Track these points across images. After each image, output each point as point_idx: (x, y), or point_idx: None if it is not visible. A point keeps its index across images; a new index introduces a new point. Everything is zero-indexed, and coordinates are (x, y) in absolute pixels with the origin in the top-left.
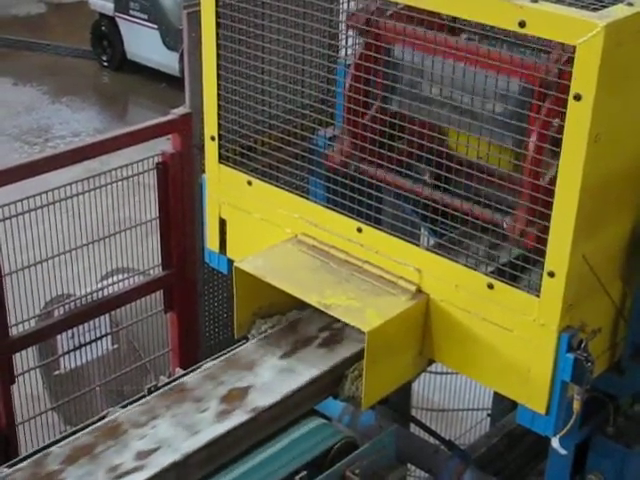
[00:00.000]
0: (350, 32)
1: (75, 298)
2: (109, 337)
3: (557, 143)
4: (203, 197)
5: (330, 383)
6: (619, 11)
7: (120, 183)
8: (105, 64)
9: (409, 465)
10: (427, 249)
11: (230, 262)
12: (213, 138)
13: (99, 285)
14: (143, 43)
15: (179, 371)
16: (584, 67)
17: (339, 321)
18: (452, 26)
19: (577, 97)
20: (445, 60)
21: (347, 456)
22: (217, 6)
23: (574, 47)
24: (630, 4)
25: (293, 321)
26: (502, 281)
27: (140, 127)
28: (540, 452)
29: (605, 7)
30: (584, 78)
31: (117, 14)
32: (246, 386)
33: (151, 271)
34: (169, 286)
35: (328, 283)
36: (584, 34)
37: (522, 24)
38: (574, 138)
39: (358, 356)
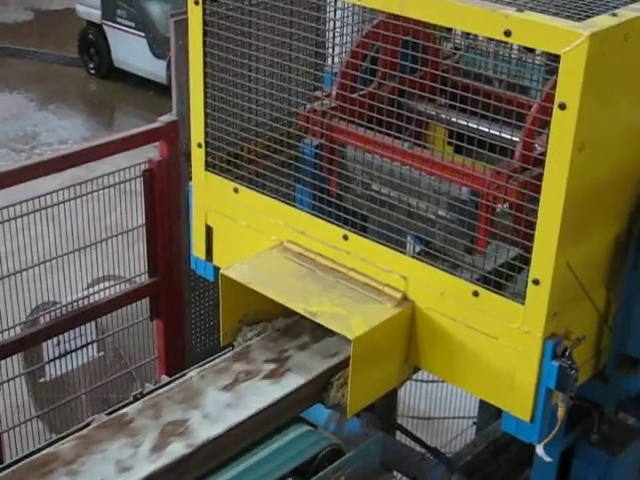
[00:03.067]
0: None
1: (61, 305)
2: (95, 345)
3: None
4: (189, 204)
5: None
6: (603, 21)
7: (107, 190)
8: (92, 72)
9: (395, 472)
10: (413, 256)
11: (216, 269)
12: (200, 145)
13: (85, 292)
14: (130, 51)
15: (165, 378)
16: (569, 76)
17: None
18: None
19: (562, 106)
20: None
21: (332, 463)
22: (204, 14)
23: (559, 56)
24: (614, 14)
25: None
26: (487, 289)
27: (127, 134)
28: (525, 459)
29: (590, 17)
30: (569, 87)
31: (104, 22)
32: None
33: (137, 278)
34: (155, 293)
35: (314, 290)
36: (569, 43)
37: (508, 33)
38: (559, 147)
39: (344, 363)
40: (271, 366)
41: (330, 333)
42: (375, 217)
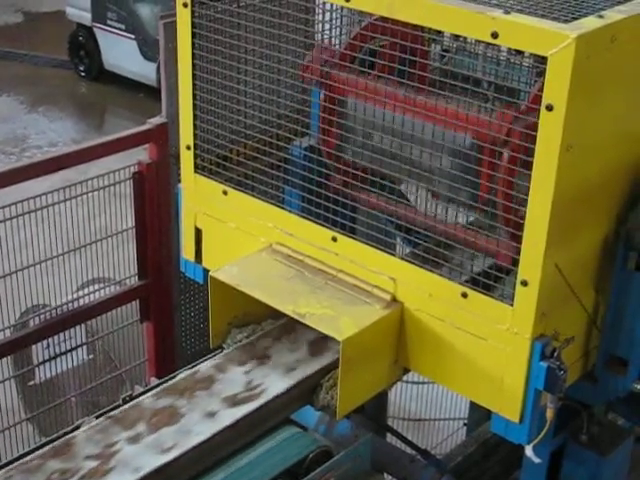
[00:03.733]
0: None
1: (51, 308)
2: (85, 347)
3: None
4: (179, 206)
5: None
6: (590, 23)
7: (97, 193)
8: (82, 74)
9: (385, 474)
10: (402, 258)
11: (206, 271)
12: (189, 148)
13: (75, 295)
14: (120, 53)
15: (154, 381)
16: (556, 78)
17: None
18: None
19: (549, 107)
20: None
21: (322, 465)
22: (193, 17)
23: (546, 58)
24: (601, 16)
25: None
26: (476, 290)
27: (117, 137)
28: (516, 460)
29: (576, 19)
30: (556, 89)
31: (95, 24)
32: None
33: (127, 281)
34: (145, 296)
35: (302, 292)
36: (556, 45)
37: (495, 35)
38: (546, 148)
39: (333, 365)
40: (93, 464)
41: (168, 424)
42: (376, 169)
